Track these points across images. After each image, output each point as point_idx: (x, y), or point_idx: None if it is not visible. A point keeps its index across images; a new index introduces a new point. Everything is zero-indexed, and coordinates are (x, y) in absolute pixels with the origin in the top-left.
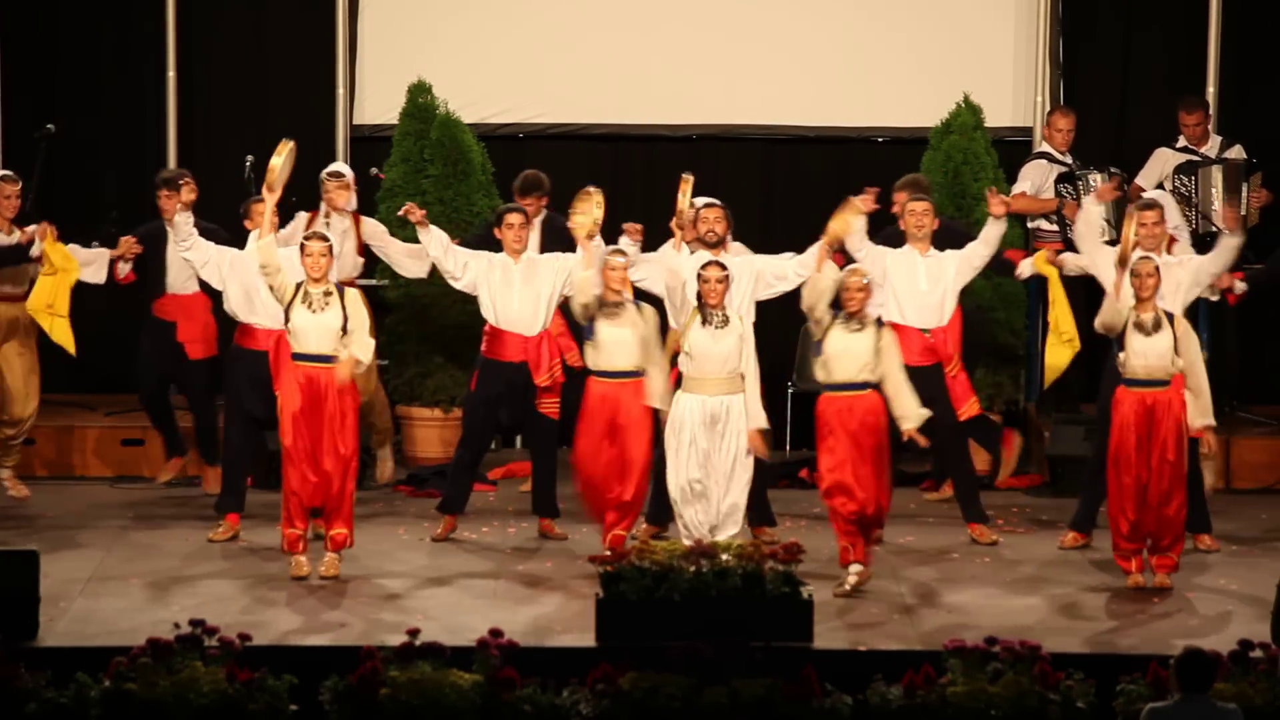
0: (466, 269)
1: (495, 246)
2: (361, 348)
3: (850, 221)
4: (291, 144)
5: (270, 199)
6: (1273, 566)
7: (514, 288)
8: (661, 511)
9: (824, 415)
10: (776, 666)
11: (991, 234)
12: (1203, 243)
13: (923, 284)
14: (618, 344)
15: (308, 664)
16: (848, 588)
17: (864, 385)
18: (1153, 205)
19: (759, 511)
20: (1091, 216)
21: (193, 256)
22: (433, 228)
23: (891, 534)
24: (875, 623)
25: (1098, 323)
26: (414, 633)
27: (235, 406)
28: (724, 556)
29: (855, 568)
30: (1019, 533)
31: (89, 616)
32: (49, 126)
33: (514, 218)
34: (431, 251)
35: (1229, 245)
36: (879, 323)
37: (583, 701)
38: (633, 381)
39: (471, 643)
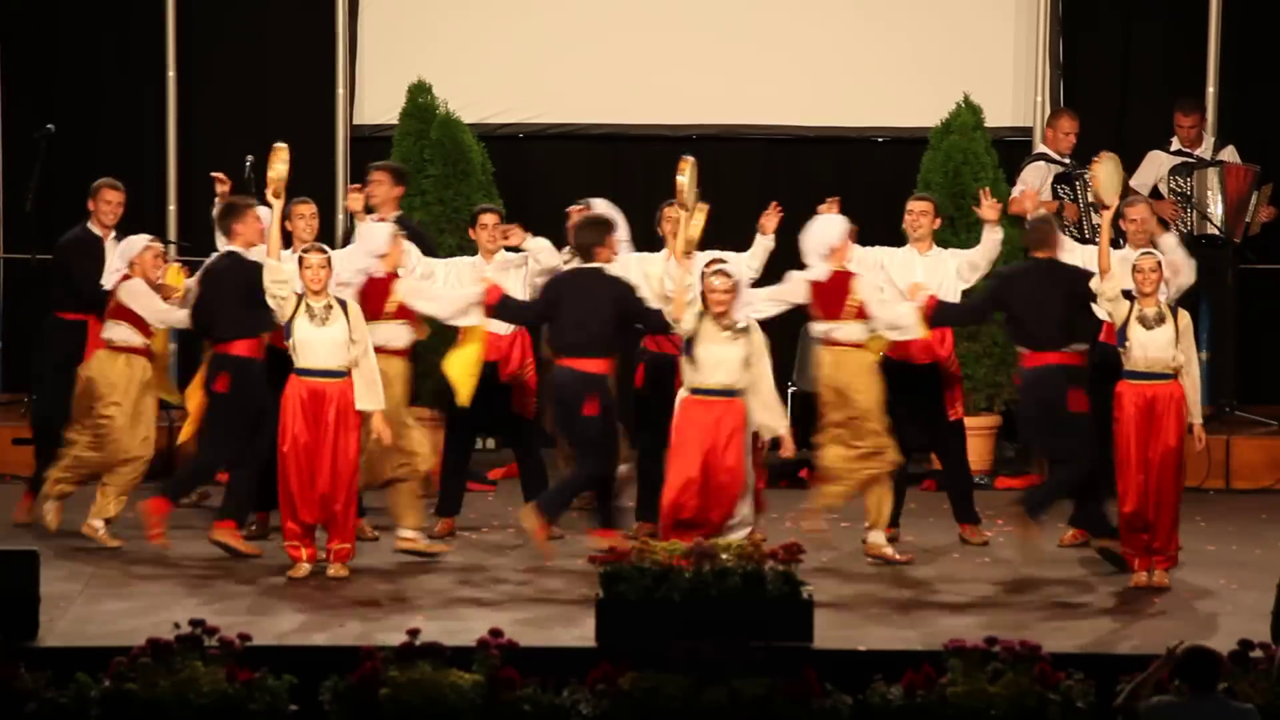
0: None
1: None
2: (373, 397)
3: None
4: (285, 147)
5: (277, 207)
6: (1273, 566)
7: None
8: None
9: None
10: (776, 666)
11: (991, 239)
12: (1198, 244)
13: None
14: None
15: (308, 664)
16: None
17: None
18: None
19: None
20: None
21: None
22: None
23: None
24: (875, 623)
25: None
26: (414, 633)
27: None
28: (724, 556)
29: None
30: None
31: (89, 616)
32: (49, 126)
33: (487, 218)
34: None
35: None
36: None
37: (583, 701)
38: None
39: (471, 643)
